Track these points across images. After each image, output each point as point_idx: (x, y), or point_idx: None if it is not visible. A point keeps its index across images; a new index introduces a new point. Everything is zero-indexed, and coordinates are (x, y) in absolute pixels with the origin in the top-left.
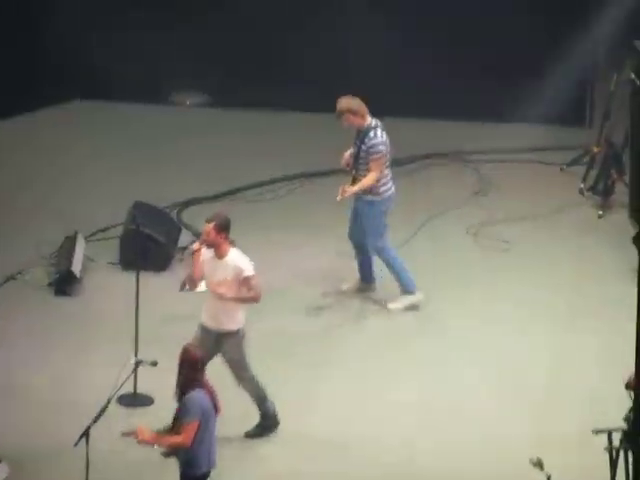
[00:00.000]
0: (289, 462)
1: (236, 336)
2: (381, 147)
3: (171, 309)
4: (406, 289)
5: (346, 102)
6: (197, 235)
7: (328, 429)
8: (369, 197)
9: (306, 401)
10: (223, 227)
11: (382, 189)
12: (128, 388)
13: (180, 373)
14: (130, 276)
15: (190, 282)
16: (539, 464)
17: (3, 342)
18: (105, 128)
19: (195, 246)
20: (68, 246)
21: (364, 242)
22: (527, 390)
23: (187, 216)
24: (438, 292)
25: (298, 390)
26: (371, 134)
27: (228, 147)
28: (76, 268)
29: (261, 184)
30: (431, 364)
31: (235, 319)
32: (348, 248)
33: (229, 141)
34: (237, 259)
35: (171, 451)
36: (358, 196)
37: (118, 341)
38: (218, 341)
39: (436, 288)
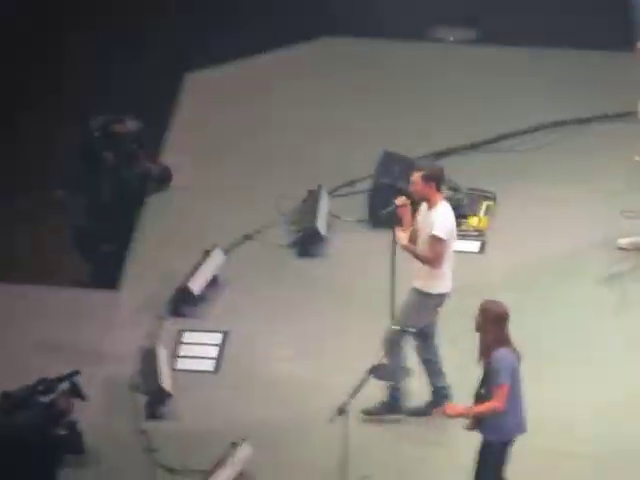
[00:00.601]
0: None
1: (425, 299)
2: None
3: None
4: None
5: None
6: (454, 189)
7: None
8: None
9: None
10: (431, 177)
11: None
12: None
13: (484, 332)
14: (380, 235)
15: (399, 238)
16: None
17: (242, 310)
18: (354, 68)
19: (400, 200)
20: (311, 202)
21: None
22: None
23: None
24: None
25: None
26: None
27: (493, 89)
28: (321, 226)
29: (525, 131)
30: None
31: (434, 282)
32: (623, 202)
33: (494, 82)
34: (438, 215)
35: (477, 423)
36: None
37: (372, 308)
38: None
39: None
